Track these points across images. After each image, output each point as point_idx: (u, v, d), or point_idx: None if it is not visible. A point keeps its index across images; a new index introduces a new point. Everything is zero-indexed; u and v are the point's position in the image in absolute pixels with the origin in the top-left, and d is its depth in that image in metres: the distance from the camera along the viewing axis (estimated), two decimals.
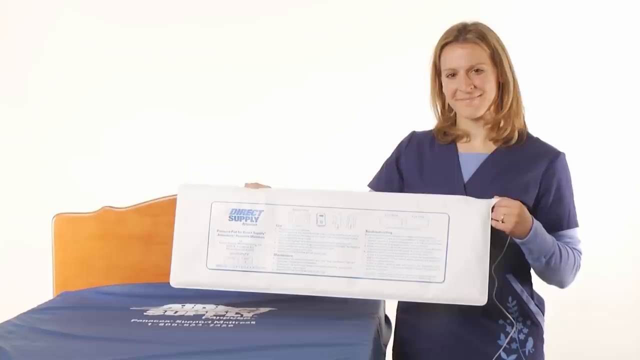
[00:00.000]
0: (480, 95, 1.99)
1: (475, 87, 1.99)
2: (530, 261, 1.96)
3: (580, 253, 2.02)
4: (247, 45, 3.50)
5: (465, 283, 1.90)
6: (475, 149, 2.06)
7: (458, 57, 2.00)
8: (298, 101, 3.50)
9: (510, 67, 2.03)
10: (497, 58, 2.00)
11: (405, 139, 2.20)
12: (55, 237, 2.61)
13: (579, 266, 2.01)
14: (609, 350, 3.48)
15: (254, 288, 2.05)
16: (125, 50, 3.52)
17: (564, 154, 2.04)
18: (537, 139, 2.07)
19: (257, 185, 2.10)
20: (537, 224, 1.91)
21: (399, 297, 2.04)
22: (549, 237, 1.94)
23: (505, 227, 1.87)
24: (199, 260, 2.09)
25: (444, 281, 1.92)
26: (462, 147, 2.08)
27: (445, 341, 2.04)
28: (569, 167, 2.05)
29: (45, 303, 2.37)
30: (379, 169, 2.22)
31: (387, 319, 2.43)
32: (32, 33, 3.53)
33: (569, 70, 3.47)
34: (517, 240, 1.91)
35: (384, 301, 2.51)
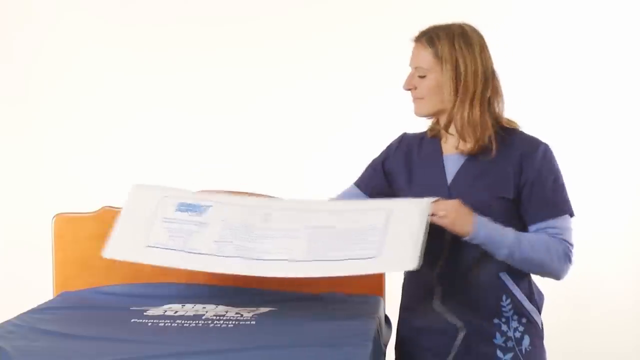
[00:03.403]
0: (421, 98, 2.03)
1: (415, 88, 2.04)
2: (496, 258, 1.95)
3: (567, 242, 1.98)
4: (247, 46, 3.50)
5: (397, 255, 1.91)
6: (455, 149, 2.06)
7: (411, 56, 2.07)
8: (298, 101, 3.50)
9: (471, 78, 1.99)
10: (445, 64, 1.99)
11: (395, 140, 2.22)
12: (55, 237, 2.61)
13: (566, 255, 1.97)
14: (609, 348, 3.48)
15: (191, 267, 2.04)
16: (125, 50, 3.52)
17: (545, 145, 2.03)
18: (519, 133, 2.06)
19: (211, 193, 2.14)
20: (481, 219, 1.91)
21: (336, 274, 1.99)
22: (505, 231, 1.93)
23: (444, 222, 1.90)
24: (138, 238, 2.10)
25: (377, 256, 1.93)
26: (445, 147, 2.09)
27: (445, 341, 2.05)
28: (554, 157, 2.03)
29: (45, 303, 2.37)
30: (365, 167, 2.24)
31: (387, 319, 2.43)
32: (32, 33, 3.53)
33: (571, 67, 3.47)
34: (464, 238, 1.92)
35: (384, 301, 2.52)
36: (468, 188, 2.01)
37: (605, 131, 3.50)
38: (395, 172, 2.15)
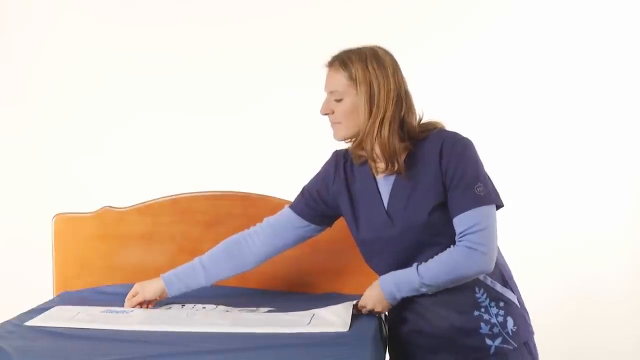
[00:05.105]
0: (339, 122, 2.04)
1: (333, 112, 2.05)
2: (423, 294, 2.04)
3: (467, 243, 1.97)
4: (247, 46, 3.50)
5: (327, 323, 2.05)
6: (384, 171, 2.07)
7: (325, 81, 2.07)
8: (298, 102, 3.49)
9: (384, 99, 2.00)
10: (359, 86, 2.00)
11: (330, 165, 2.22)
12: (55, 237, 2.61)
13: (468, 250, 1.96)
14: (608, 345, 3.49)
15: (116, 326, 2.07)
16: (125, 50, 3.52)
17: (460, 138, 2.02)
18: (439, 132, 2.05)
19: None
20: (385, 285, 2.05)
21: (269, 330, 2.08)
22: (408, 273, 2.01)
23: (372, 310, 2.09)
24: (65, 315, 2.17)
25: (309, 323, 2.06)
26: (376, 171, 2.10)
27: (435, 340, 2.09)
28: (470, 148, 2.01)
29: (45, 303, 2.37)
30: (301, 191, 2.26)
31: (386, 318, 2.43)
32: (32, 33, 3.53)
33: (571, 67, 3.47)
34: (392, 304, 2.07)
35: None
36: (403, 210, 2.04)
37: (605, 131, 3.50)
38: (335, 196, 2.17)
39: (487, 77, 3.44)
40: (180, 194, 2.64)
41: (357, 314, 2.14)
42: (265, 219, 2.27)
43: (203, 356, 1.78)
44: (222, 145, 3.51)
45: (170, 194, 2.64)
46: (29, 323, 2.08)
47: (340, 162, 2.19)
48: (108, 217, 2.61)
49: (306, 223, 2.22)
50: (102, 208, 2.62)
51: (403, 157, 2.03)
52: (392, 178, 2.07)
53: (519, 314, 2.09)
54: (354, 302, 2.15)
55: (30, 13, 3.54)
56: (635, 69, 3.48)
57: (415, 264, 2.02)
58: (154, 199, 2.63)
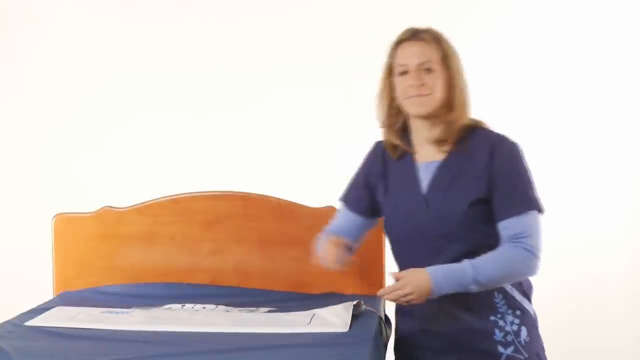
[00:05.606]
0: (429, 94, 2.02)
1: (424, 84, 2.02)
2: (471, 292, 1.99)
3: (529, 239, 1.97)
4: (247, 46, 3.49)
5: (328, 323, 2.07)
6: (428, 157, 2.08)
7: (411, 54, 2.04)
8: (298, 102, 3.49)
9: (461, 72, 2.05)
10: (448, 61, 2.03)
11: (371, 152, 2.23)
12: (55, 237, 2.61)
13: (528, 252, 1.97)
14: (607, 345, 3.49)
15: (116, 326, 2.08)
16: (126, 51, 3.52)
17: (511, 142, 2.04)
18: (488, 132, 2.08)
19: None
20: (436, 276, 1.92)
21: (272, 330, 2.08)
22: (462, 267, 1.94)
23: (412, 300, 1.92)
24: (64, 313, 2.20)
25: (309, 323, 2.08)
26: (418, 157, 2.10)
27: (445, 342, 2.06)
28: (520, 154, 2.03)
29: (45, 303, 2.37)
30: (349, 182, 2.25)
31: (387, 318, 2.43)
32: (32, 33, 3.53)
33: (571, 67, 3.47)
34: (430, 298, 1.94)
35: (384, 301, 2.52)
36: (444, 196, 2.03)
37: (605, 131, 3.49)
38: (376, 185, 2.17)
39: (487, 77, 3.43)
40: (180, 194, 2.64)
41: (358, 313, 2.13)
42: (326, 231, 2.22)
43: (203, 356, 1.78)
44: (222, 145, 3.51)
45: (170, 194, 2.64)
46: (29, 323, 2.08)
47: (381, 149, 2.19)
48: (108, 217, 2.61)
49: (362, 218, 2.20)
50: (102, 208, 2.63)
51: (464, 140, 2.04)
52: (435, 164, 2.06)
53: (533, 324, 2.08)
54: (355, 302, 2.14)
55: (30, 13, 3.53)
56: (635, 69, 3.48)
57: (465, 260, 1.96)
58: (154, 199, 2.63)
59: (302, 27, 3.49)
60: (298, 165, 3.45)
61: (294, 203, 2.64)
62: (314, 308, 2.22)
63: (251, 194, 2.64)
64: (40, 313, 2.19)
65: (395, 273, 1.96)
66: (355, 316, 2.11)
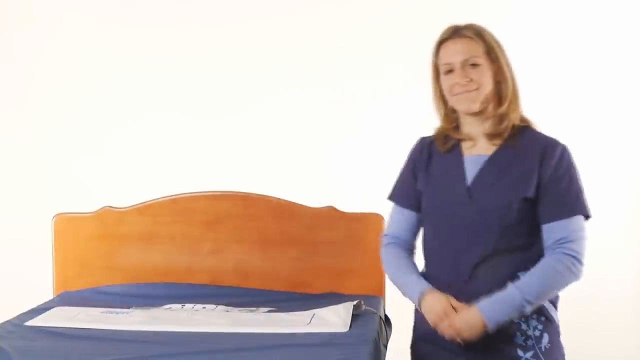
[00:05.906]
0: (477, 89, 2.01)
1: (471, 80, 2.01)
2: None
3: (573, 246, 2.00)
4: (247, 46, 3.50)
5: (328, 323, 2.08)
6: (477, 151, 2.07)
7: (454, 52, 2.03)
8: (298, 102, 3.49)
9: (508, 64, 2.05)
10: (493, 54, 2.02)
11: (415, 147, 2.20)
12: (55, 237, 2.61)
13: (573, 259, 1.99)
14: (611, 348, 3.48)
15: (116, 326, 2.09)
16: (126, 51, 3.52)
17: (562, 146, 2.05)
18: (537, 133, 2.08)
19: None
20: (486, 312, 1.93)
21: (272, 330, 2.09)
22: (508, 293, 1.93)
23: (464, 338, 1.95)
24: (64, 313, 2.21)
25: (309, 323, 2.09)
26: (465, 150, 2.09)
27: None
28: (571, 158, 2.04)
29: (45, 303, 2.37)
30: (396, 179, 2.21)
31: (387, 318, 2.43)
32: (32, 34, 3.53)
33: (571, 67, 3.47)
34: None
35: (384, 301, 2.52)
36: (488, 190, 2.01)
37: (605, 131, 3.49)
38: (418, 175, 2.15)
39: None
40: (180, 194, 2.64)
41: (358, 313, 2.13)
42: (388, 235, 2.18)
43: (203, 356, 1.78)
44: (222, 145, 3.51)
45: (170, 194, 2.65)
46: (29, 323, 2.08)
47: (426, 145, 2.17)
48: (108, 217, 2.61)
49: (416, 213, 2.16)
50: (102, 208, 2.63)
51: (515, 137, 2.03)
52: (484, 158, 2.05)
53: (556, 332, 2.07)
54: (355, 302, 2.14)
55: (30, 13, 3.54)
56: (636, 70, 3.48)
57: (509, 285, 1.94)
58: (154, 199, 2.63)
59: (302, 27, 3.48)
60: (298, 165, 3.45)
61: (293, 203, 2.64)
62: (314, 308, 2.22)
63: (251, 194, 2.64)
64: (40, 313, 2.19)
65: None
66: (355, 316, 2.11)
